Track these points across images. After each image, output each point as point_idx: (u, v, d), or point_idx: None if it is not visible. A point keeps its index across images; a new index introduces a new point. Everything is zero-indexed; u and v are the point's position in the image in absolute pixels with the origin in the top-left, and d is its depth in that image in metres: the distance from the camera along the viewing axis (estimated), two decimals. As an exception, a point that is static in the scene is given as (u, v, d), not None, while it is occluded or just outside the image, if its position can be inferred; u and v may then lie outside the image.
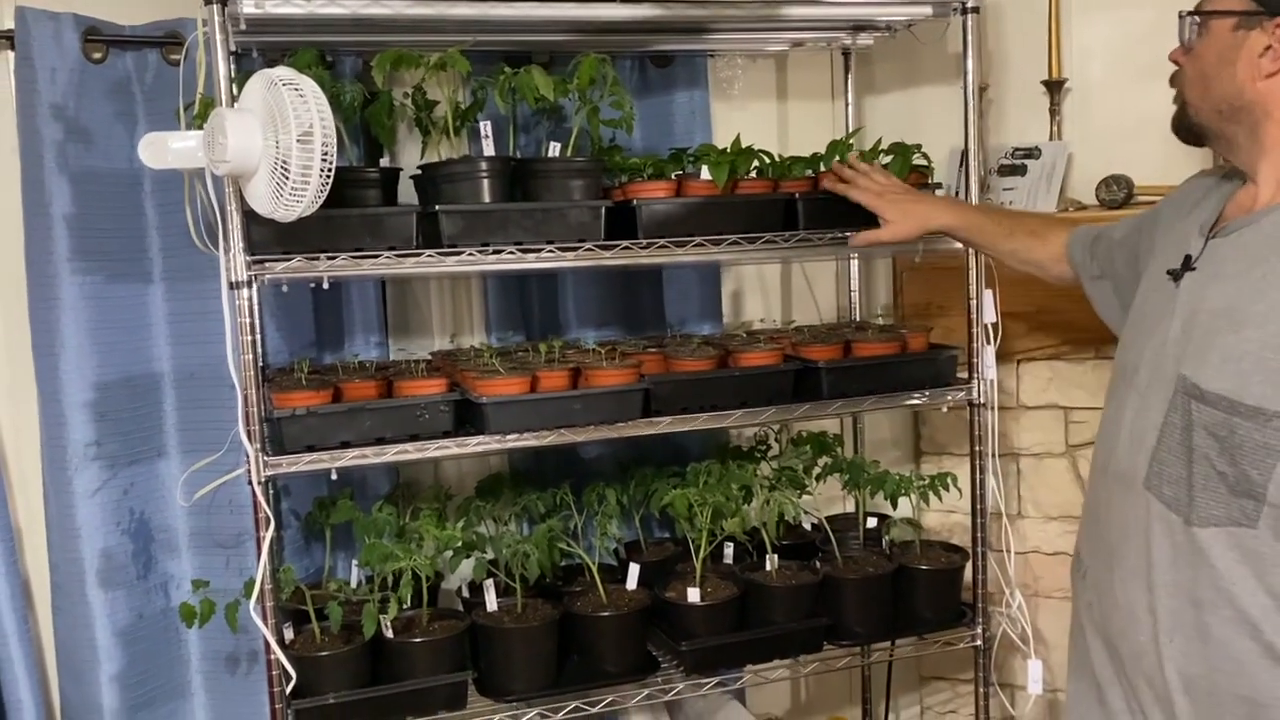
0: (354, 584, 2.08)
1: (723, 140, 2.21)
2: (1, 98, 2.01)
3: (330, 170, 1.55)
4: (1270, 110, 1.30)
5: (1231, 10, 1.31)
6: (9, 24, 1.98)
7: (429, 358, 2.18)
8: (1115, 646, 1.41)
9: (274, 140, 1.53)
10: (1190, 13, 1.36)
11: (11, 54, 1.99)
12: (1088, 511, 1.49)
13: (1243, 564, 1.27)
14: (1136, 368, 1.39)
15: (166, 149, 1.66)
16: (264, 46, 2.05)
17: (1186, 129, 1.41)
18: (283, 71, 1.56)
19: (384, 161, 2.07)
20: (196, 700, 2.22)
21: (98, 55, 2.03)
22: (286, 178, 1.54)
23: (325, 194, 1.57)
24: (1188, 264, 1.36)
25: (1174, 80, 1.42)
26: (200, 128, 1.80)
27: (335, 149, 1.55)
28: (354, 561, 2.15)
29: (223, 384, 2.10)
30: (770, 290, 2.63)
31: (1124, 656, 1.40)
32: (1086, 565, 1.47)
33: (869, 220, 2.05)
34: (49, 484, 2.09)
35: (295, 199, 1.55)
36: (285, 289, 2.04)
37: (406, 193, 2.06)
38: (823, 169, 2.13)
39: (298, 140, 1.51)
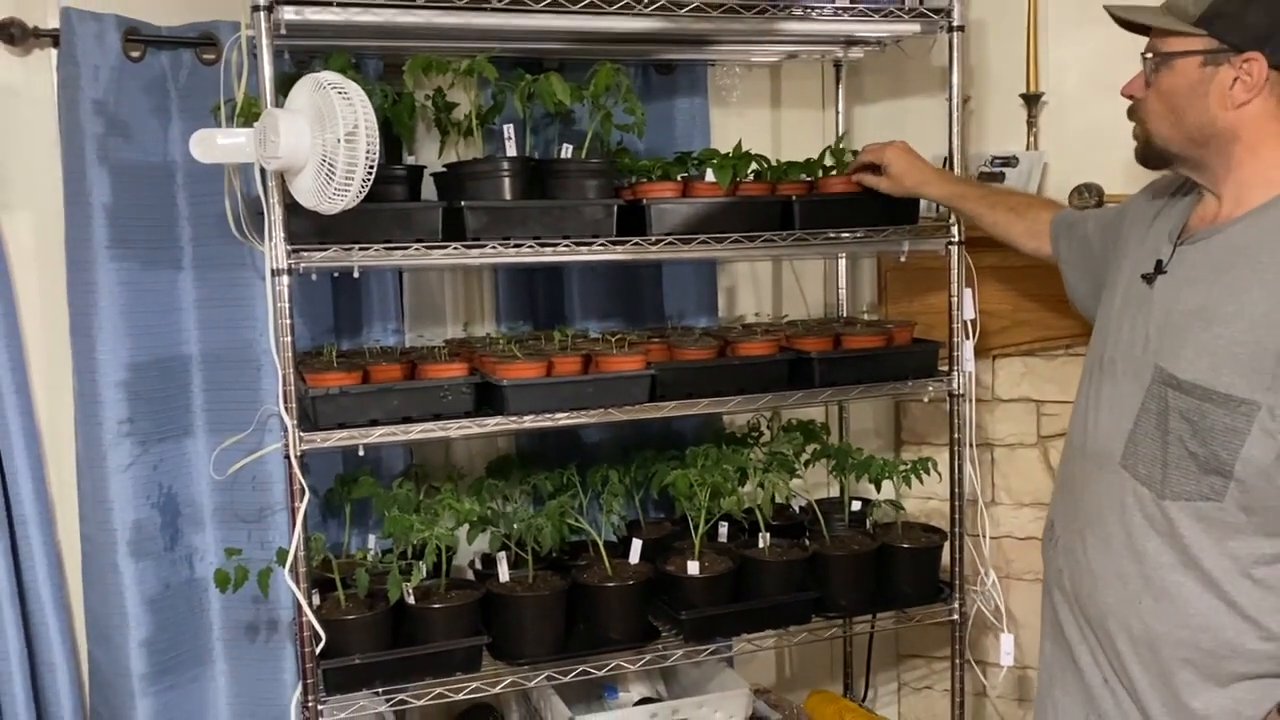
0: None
1: (719, 144, 2.36)
2: (45, 93, 2.13)
3: (372, 168, 1.69)
4: (1240, 134, 1.45)
5: (1198, 50, 1.44)
6: (54, 23, 2.10)
7: (443, 344, 2.31)
8: (1084, 608, 1.57)
9: (321, 139, 1.66)
10: (1159, 54, 1.48)
11: (55, 52, 2.11)
12: (1062, 486, 1.64)
13: (1208, 533, 1.43)
14: (1114, 359, 1.55)
15: (215, 145, 1.79)
16: (294, 50, 2.18)
17: (1156, 157, 1.54)
18: (329, 75, 1.69)
19: (409, 160, 2.20)
20: (218, 666, 2.33)
21: (136, 54, 2.15)
22: (332, 174, 1.67)
23: (367, 190, 1.70)
24: (1159, 268, 1.52)
25: (1134, 114, 1.55)
26: (242, 125, 1.93)
27: (378, 148, 1.68)
28: (371, 535, 2.28)
29: (248, 366, 2.25)
30: (762, 286, 2.78)
31: (1091, 617, 1.56)
32: (1059, 535, 1.63)
33: (860, 220, 2.22)
34: (83, 459, 2.21)
35: (340, 193, 1.68)
36: (314, 278, 2.16)
37: (425, 189, 2.19)
38: (821, 175, 2.29)
39: (345, 139, 1.64)
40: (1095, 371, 1.59)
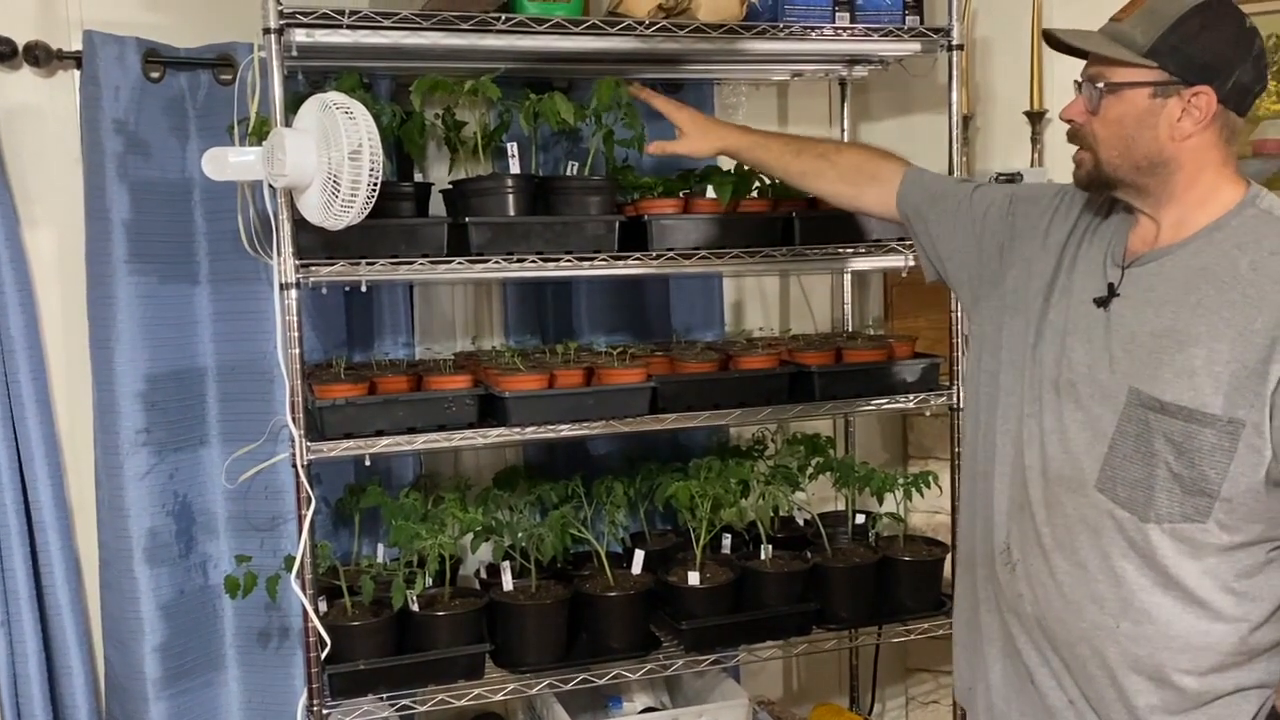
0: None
1: (727, 162, 2.40)
2: (68, 112, 2.21)
3: (376, 184, 1.74)
4: (1183, 164, 1.46)
5: (1148, 81, 1.44)
6: (77, 45, 2.17)
7: (452, 357, 2.35)
8: (1050, 633, 1.55)
9: (327, 157, 1.71)
10: (1108, 83, 1.47)
11: (78, 73, 2.18)
12: (1018, 509, 1.60)
13: (1190, 554, 1.43)
14: (1073, 382, 1.53)
15: (226, 163, 1.85)
16: (308, 70, 2.24)
17: (1102, 183, 1.52)
18: (335, 96, 1.75)
19: (417, 177, 2.26)
20: (230, 672, 2.38)
21: (156, 75, 2.22)
22: (337, 191, 1.72)
23: (371, 206, 1.76)
24: (1112, 291, 1.52)
25: (1077, 138, 1.53)
26: (254, 144, 2.00)
27: (381, 166, 1.74)
28: (380, 545, 2.32)
29: (261, 378, 2.30)
30: (769, 301, 2.81)
31: (1059, 642, 1.55)
32: (1017, 559, 1.60)
33: (859, 236, 2.25)
34: (101, 467, 2.27)
35: (345, 209, 1.73)
36: (325, 291, 2.22)
37: (435, 205, 2.25)
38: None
39: (349, 157, 1.69)
40: (1040, 396, 1.57)
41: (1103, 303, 1.52)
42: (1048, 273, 1.62)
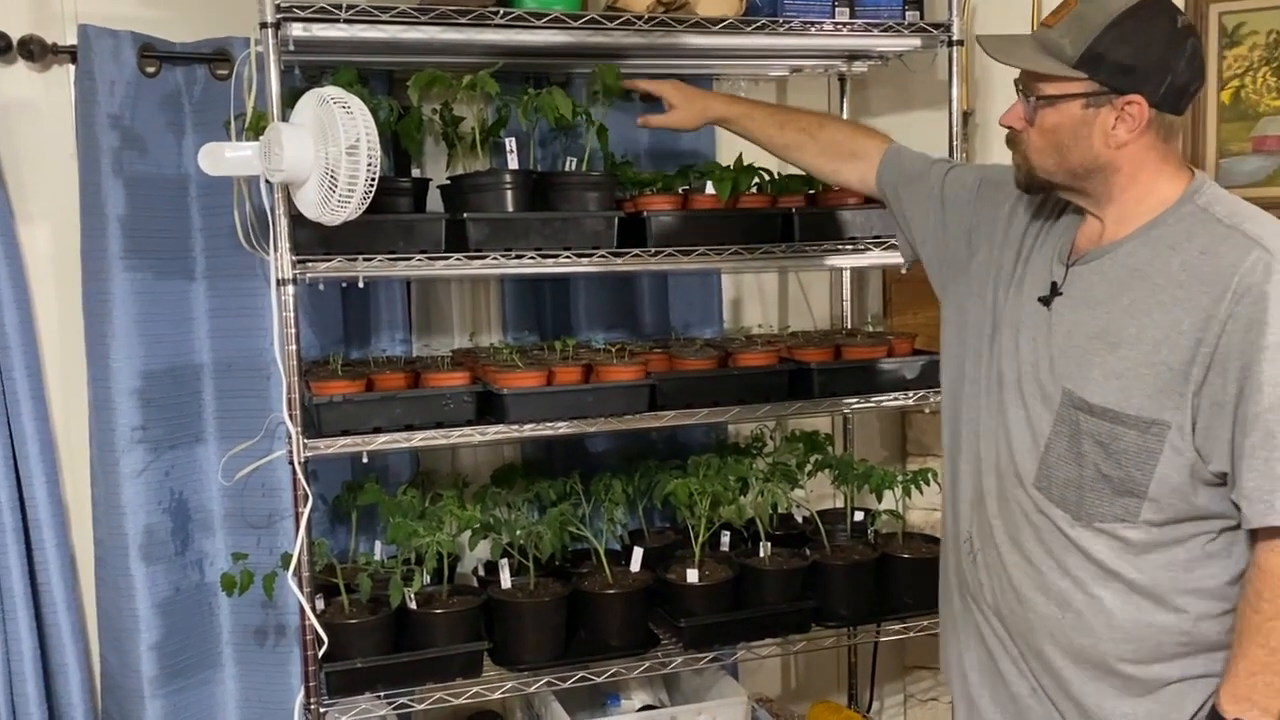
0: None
1: (725, 158, 2.39)
2: (63, 107, 2.19)
3: (374, 180, 1.73)
4: (1121, 167, 1.46)
5: (1079, 93, 1.43)
6: (72, 40, 2.16)
7: (449, 354, 2.35)
8: (1007, 623, 1.58)
9: (324, 152, 1.70)
10: (1040, 96, 1.46)
11: (73, 67, 2.17)
12: (978, 499, 1.62)
13: (1127, 553, 1.45)
14: (1018, 380, 1.54)
15: (223, 158, 1.84)
16: (305, 65, 2.23)
17: (1039, 186, 1.54)
18: (333, 90, 1.74)
19: (415, 172, 2.24)
20: (227, 670, 2.37)
21: (151, 70, 2.20)
22: (335, 186, 1.71)
23: (369, 201, 1.75)
24: (1055, 290, 1.53)
25: (1014, 144, 1.53)
26: (251, 139, 1.98)
27: (379, 161, 1.72)
28: (377, 542, 2.31)
29: (258, 375, 2.29)
30: (768, 298, 2.81)
31: (1014, 631, 1.57)
32: (977, 549, 1.62)
33: (858, 233, 2.25)
34: (97, 465, 2.25)
35: (342, 205, 1.72)
36: (322, 288, 2.21)
37: (432, 201, 2.23)
38: (822, 189, 2.32)
39: (346, 152, 1.68)
40: (995, 389, 1.58)
41: (1046, 301, 1.52)
42: (1009, 264, 1.62)
